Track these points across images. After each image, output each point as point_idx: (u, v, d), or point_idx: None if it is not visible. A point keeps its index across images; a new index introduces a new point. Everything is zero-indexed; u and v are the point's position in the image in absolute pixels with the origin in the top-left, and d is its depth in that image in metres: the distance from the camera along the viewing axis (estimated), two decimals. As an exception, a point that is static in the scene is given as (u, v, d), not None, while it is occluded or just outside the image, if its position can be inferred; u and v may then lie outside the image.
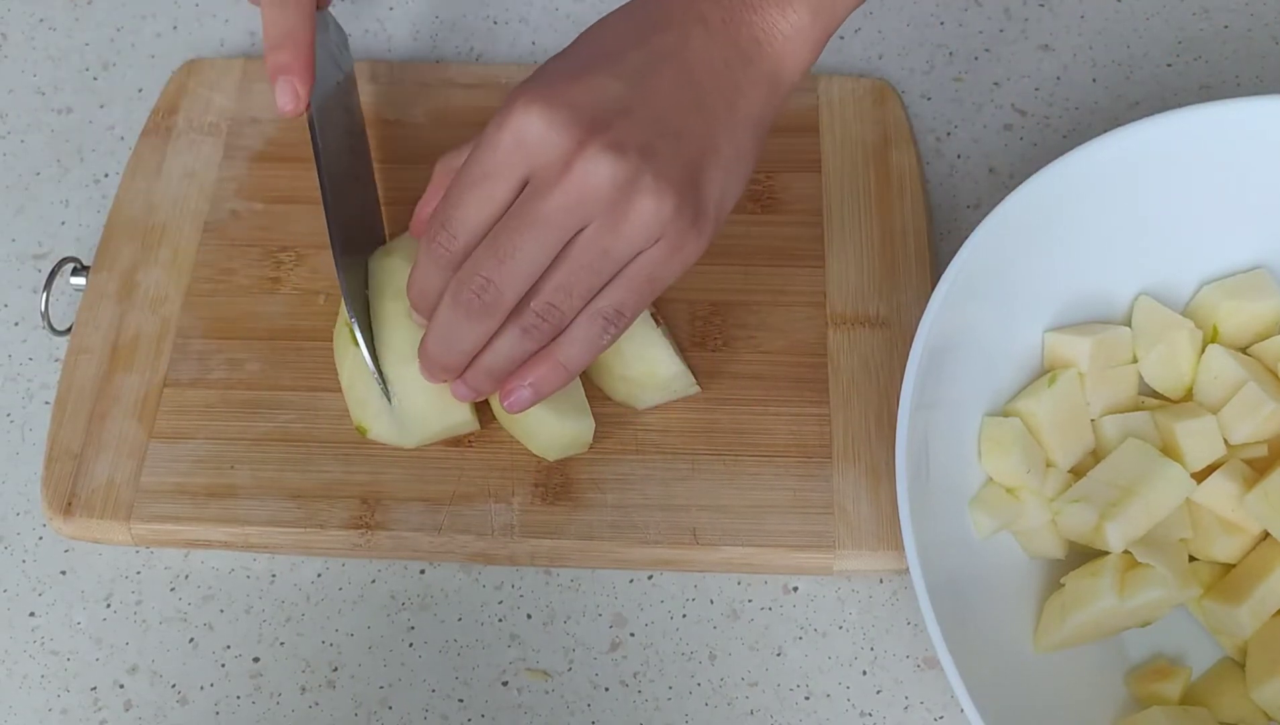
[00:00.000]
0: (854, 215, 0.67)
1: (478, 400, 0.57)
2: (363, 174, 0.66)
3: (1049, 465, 0.58)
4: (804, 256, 0.66)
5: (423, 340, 0.56)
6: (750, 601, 0.60)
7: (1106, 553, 0.56)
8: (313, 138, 0.60)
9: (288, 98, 0.60)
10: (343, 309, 0.60)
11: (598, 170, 0.50)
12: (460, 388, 0.57)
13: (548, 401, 0.57)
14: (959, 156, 0.71)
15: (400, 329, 0.59)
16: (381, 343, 0.59)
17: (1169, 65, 0.74)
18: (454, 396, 0.57)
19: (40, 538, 0.62)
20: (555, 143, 0.51)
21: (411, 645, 0.59)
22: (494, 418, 0.61)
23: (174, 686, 0.59)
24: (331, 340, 0.62)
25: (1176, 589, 0.55)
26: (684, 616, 0.60)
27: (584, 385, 0.61)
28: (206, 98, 0.72)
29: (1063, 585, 0.56)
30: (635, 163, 0.51)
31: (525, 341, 0.54)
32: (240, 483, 0.61)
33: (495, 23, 0.77)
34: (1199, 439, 0.57)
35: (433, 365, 0.56)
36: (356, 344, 0.59)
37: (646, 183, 0.51)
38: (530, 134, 0.51)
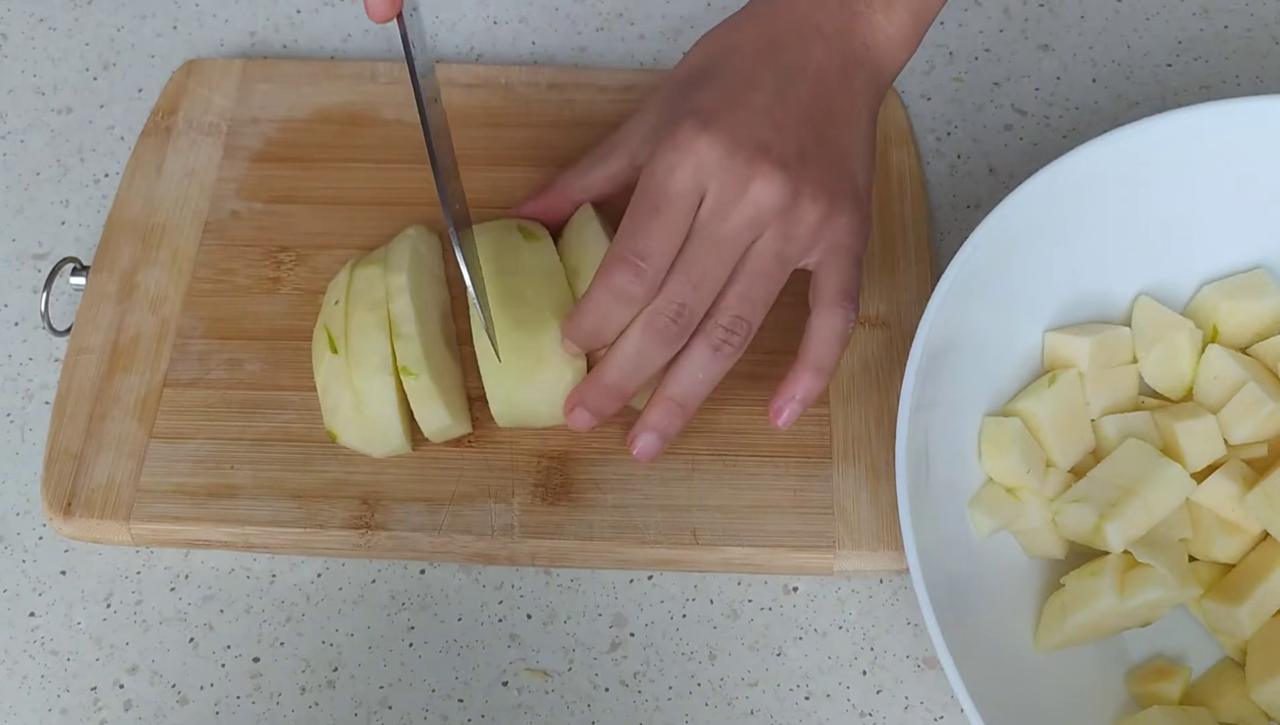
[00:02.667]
0: (854, 215, 0.67)
1: (662, 440, 0.59)
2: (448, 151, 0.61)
3: (1049, 465, 0.58)
4: (804, 256, 0.66)
5: (597, 372, 0.58)
6: (750, 601, 0.60)
7: (1106, 553, 0.56)
8: (406, 50, 0.57)
9: (377, 2, 0.56)
10: (323, 311, 0.61)
11: (771, 188, 0.55)
12: (646, 435, 0.59)
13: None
14: (959, 156, 0.71)
15: (372, 340, 0.59)
16: (352, 354, 0.59)
17: (1169, 65, 0.74)
18: (637, 450, 0.59)
19: (40, 538, 0.62)
20: (730, 168, 0.55)
21: (411, 645, 0.59)
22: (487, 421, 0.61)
23: (174, 686, 0.59)
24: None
25: (1176, 589, 0.55)
26: (684, 616, 0.60)
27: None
28: (206, 98, 0.72)
29: (1063, 585, 0.56)
30: (797, 173, 0.55)
31: (717, 359, 0.57)
32: (240, 483, 0.61)
33: (495, 23, 0.77)
34: (1199, 439, 0.57)
35: (605, 398, 0.58)
36: (335, 350, 0.60)
37: (809, 191, 0.56)
38: (709, 161, 0.55)
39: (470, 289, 0.57)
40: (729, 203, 0.55)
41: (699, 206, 0.56)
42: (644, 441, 0.59)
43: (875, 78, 0.59)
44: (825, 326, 0.58)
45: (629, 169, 0.62)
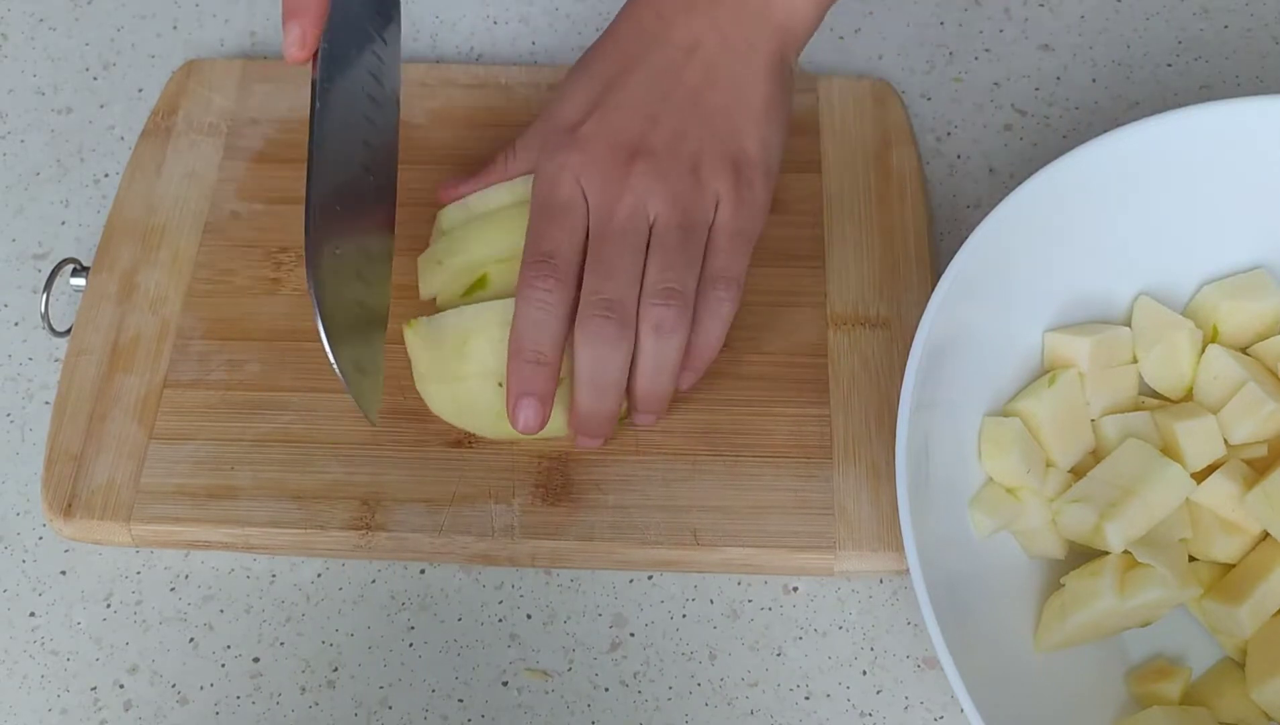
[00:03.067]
0: (854, 215, 0.67)
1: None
2: (377, 169, 0.59)
3: (1049, 465, 0.58)
4: (804, 256, 0.66)
5: (574, 404, 0.58)
6: (750, 602, 0.60)
7: (1106, 553, 0.56)
8: (312, 93, 0.56)
9: (293, 41, 0.56)
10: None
11: (647, 180, 0.57)
12: (646, 419, 0.61)
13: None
14: (959, 156, 0.71)
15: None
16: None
17: (1169, 65, 0.74)
18: (640, 423, 0.61)
19: (40, 538, 0.62)
20: (605, 171, 0.58)
21: (411, 645, 0.59)
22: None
23: (174, 686, 0.59)
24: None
25: (1176, 589, 0.55)
26: (684, 616, 0.60)
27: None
28: (206, 98, 0.72)
29: (1063, 585, 0.56)
30: (674, 154, 0.58)
31: (664, 337, 0.57)
32: (240, 484, 0.61)
33: (495, 23, 0.77)
34: (1199, 439, 0.57)
35: (592, 421, 0.59)
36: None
37: (683, 167, 0.58)
38: (584, 169, 0.58)
39: (322, 336, 0.53)
40: (612, 201, 0.57)
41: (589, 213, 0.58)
42: (642, 422, 0.61)
43: (779, 30, 0.59)
44: (702, 312, 0.58)
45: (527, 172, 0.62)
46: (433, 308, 0.62)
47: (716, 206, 0.58)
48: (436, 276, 0.62)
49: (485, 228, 0.61)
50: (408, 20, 0.76)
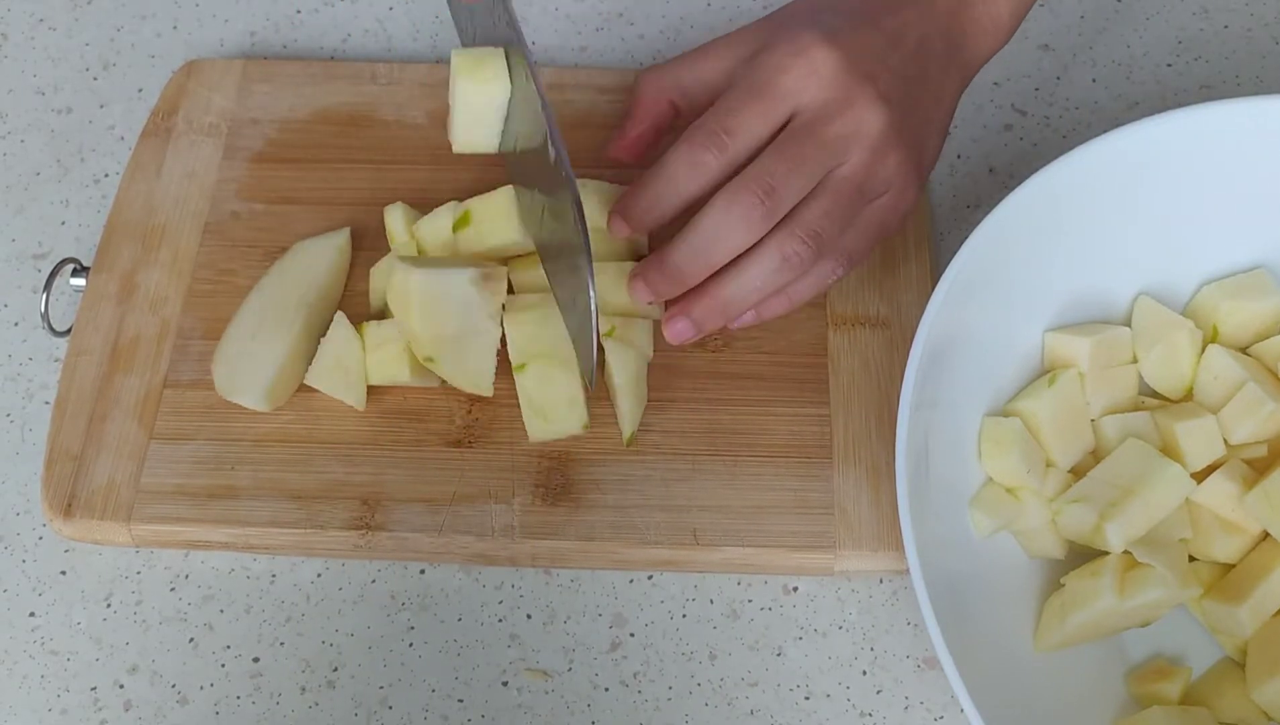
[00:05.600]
0: (854, 215, 0.67)
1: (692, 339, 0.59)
2: None
3: (1049, 465, 0.58)
4: (804, 256, 0.65)
5: (664, 249, 0.57)
6: (750, 601, 0.60)
7: (1106, 553, 0.56)
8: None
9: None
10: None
11: (875, 115, 0.56)
12: (683, 324, 0.58)
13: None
14: (959, 156, 0.71)
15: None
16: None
17: (1169, 65, 0.74)
18: (671, 336, 0.59)
19: (40, 538, 0.62)
20: (842, 81, 0.56)
21: (411, 645, 0.59)
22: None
23: (174, 686, 0.59)
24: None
25: (1176, 589, 0.55)
26: (684, 616, 0.60)
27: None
28: (206, 98, 0.72)
29: (1063, 585, 0.56)
30: (898, 116, 0.57)
31: (784, 270, 0.56)
32: (240, 484, 0.61)
33: (495, 23, 0.77)
34: (1199, 439, 0.57)
35: (668, 274, 0.57)
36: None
37: (899, 135, 0.57)
38: (823, 70, 0.56)
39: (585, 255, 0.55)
40: (834, 112, 0.56)
41: (793, 117, 0.56)
42: (678, 326, 0.59)
43: (963, 65, 0.60)
44: (812, 272, 0.58)
45: (724, 78, 0.60)
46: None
47: (889, 188, 0.58)
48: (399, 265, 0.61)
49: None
50: (408, 20, 0.76)
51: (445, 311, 0.59)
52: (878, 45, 0.57)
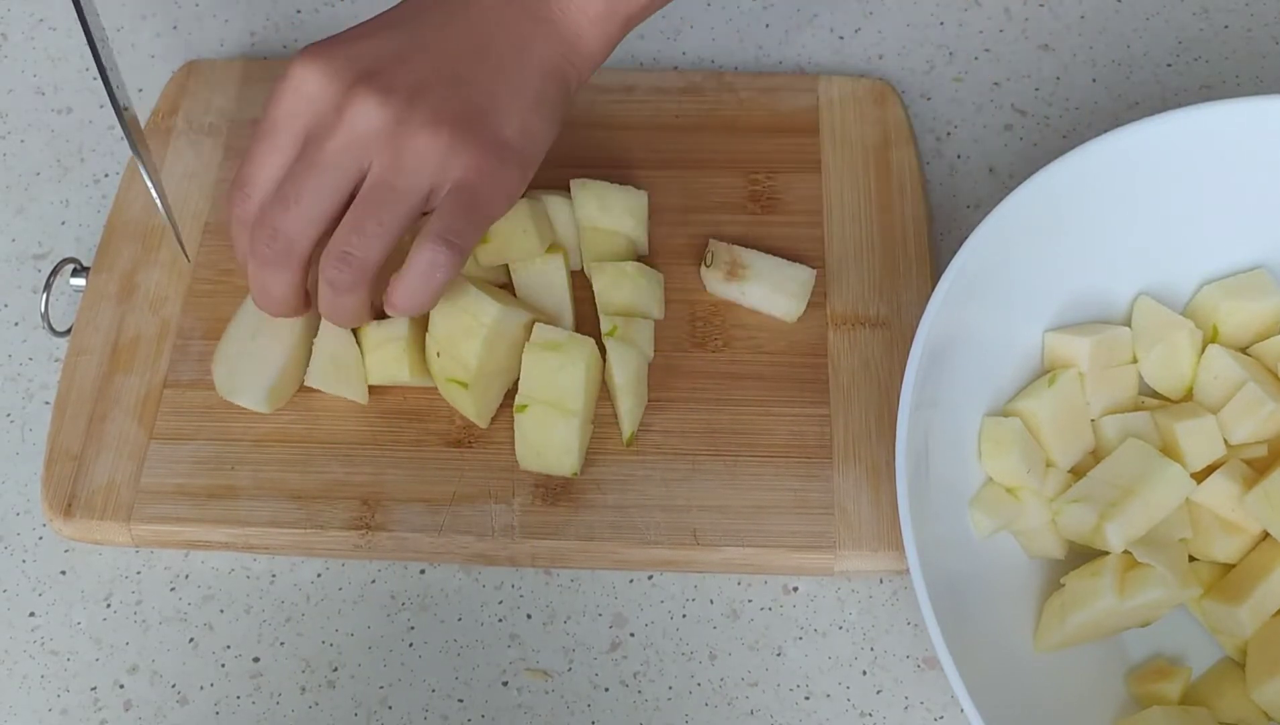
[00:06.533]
0: (854, 215, 0.67)
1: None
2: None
3: (1049, 465, 0.58)
4: (804, 256, 0.66)
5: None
6: (750, 601, 0.60)
7: (1106, 553, 0.56)
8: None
9: None
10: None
11: (367, 111, 0.54)
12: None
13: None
14: (959, 156, 0.71)
15: None
16: None
17: (1169, 65, 0.74)
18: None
19: (40, 538, 0.62)
20: (328, 91, 0.54)
21: (411, 645, 0.59)
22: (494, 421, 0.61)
23: (174, 686, 0.59)
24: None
25: (1176, 589, 0.55)
26: (684, 616, 0.60)
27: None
28: (206, 98, 0.72)
29: (1063, 585, 0.56)
30: (405, 101, 0.54)
31: (335, 294, 0.56)
32: (240, 484, 0.61)
33: (495, 23, 0.76)
34: (1199, 439, 0.57)
35: (264, 311, 0.59)
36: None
37: (419, 117, 0.54)
38: (307, 85, 0.55)
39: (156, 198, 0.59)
40: (326, 126, 0.54)
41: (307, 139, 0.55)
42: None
43: (560, 34, 0.57)
44: (411, 266, 0.55)
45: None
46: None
47: (439, 171, 0.55)
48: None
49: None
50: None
51: (501, 348, 0.60)
52: (388, 42, 0.56)
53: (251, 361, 0.61)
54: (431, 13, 0.57)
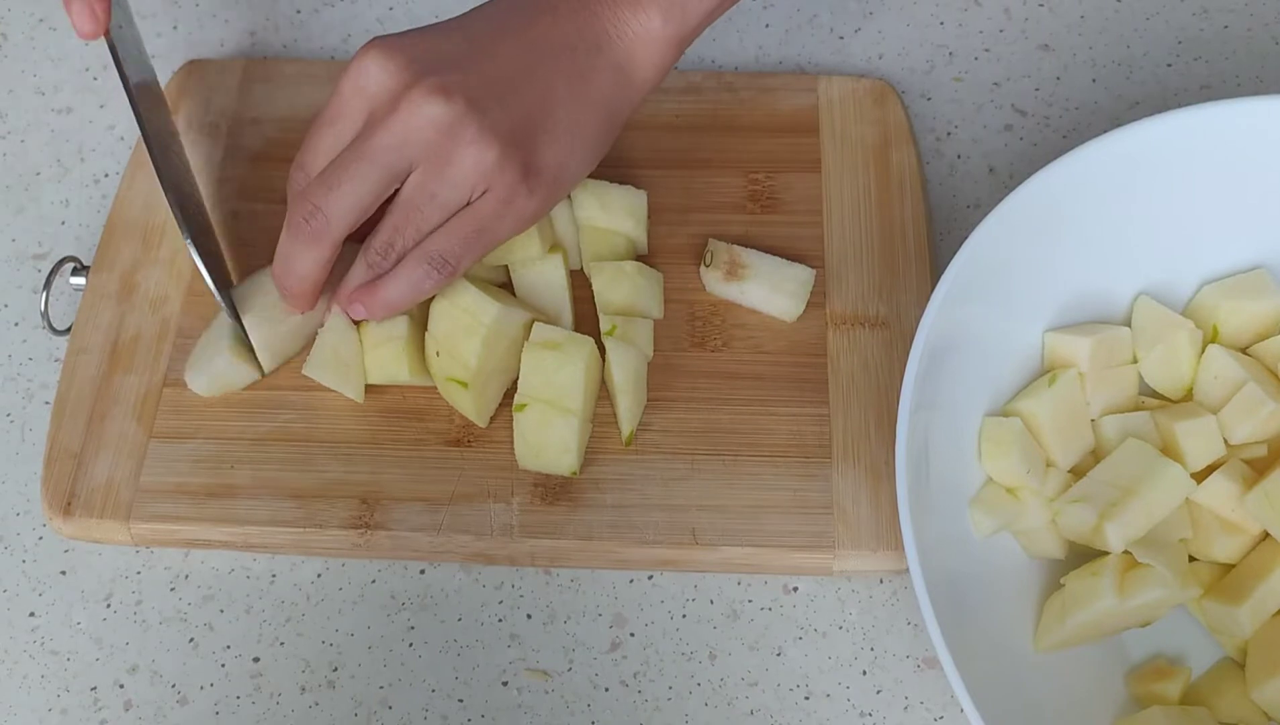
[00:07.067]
0: (854, 215, 0.67)
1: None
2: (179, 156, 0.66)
3: (1049, 465, 0.58)
4: (804, 256, 0.66)
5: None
6: (750, 601, 0.60)
7: (1106, 553, 0.56)
8: (115, 59, 0.61)
9: (85, 19, 0.59)
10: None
11: (421, 110, 0.55)
12: (351, 310, 0.60)
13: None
14: (959, 156, 0.71)
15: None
16: None
17: (1169, 65, 0.74)
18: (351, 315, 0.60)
19: (40, 538, 0.62)
20: (388, 84, 0.55)
21: (411, 645, 0.59)
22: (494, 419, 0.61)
23: (174, 686, 0.59)
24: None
25: (1176, 589, 0.55)
26: (684, 616, 0.60)
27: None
28: (206, 98, 0.72)
29: (1063, 585, 0.56)
30: (460, 110, 0.55)
31: (375, 285, 0.58)
32: (240, 483, 0.61)
33: (495, 23, 0.76)
34: (1199, 439, 0.57)
35: (279, 286, 0.60)
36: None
37: (470, 131, 0.55)
38: (368, 77, 0.56)
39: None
40: (382, 117, 0.55)
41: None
42: (351, 312, 0.60)
43: (615, 67, 0.58)
44: (399, 275, 0.58)
45: None
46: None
47: (483, 193, 0.56)
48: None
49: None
50: (408, 20, 0.76)
51: (500, 347, 0.60)
52: (451, 47, 0.56)
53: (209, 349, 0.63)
54: (501, 25, 0.57)
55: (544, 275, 0.63)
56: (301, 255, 0.58)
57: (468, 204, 0.57)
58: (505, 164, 0.56)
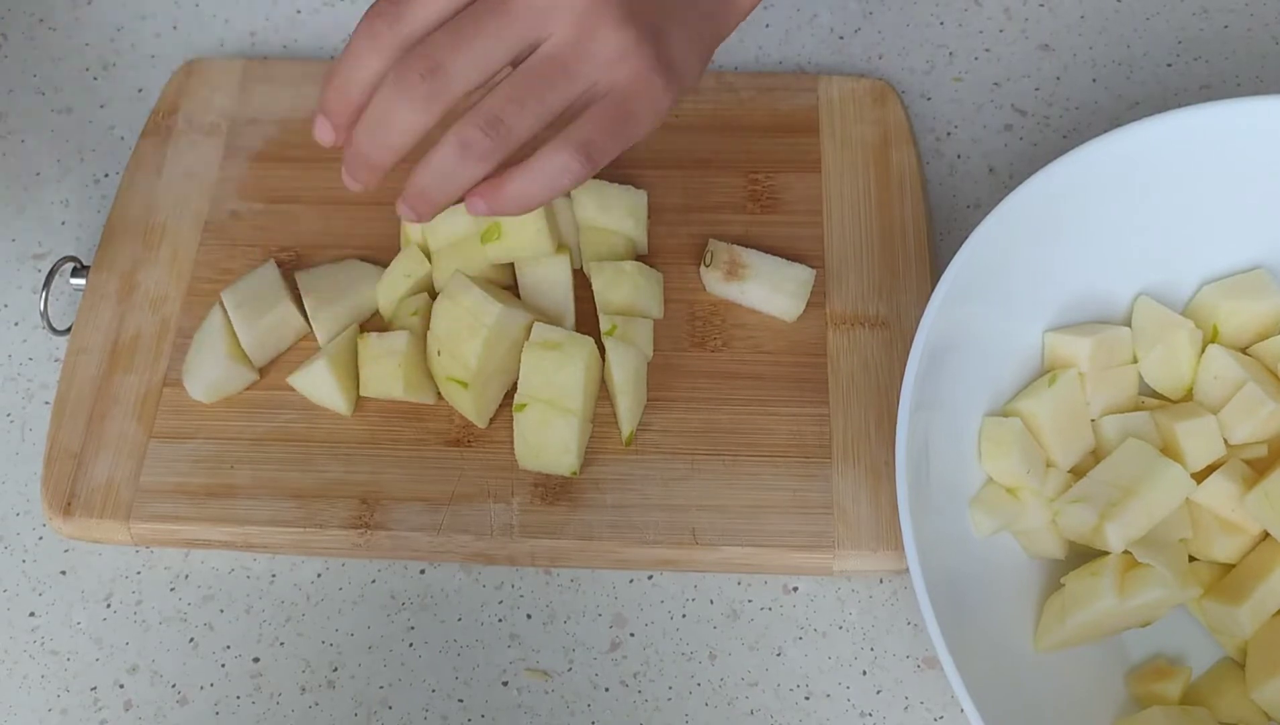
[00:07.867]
0: (854, 215, 0.67)
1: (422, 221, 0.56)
2: None
3: (1049, 465, 0.58)
4: (804, 256, 0.66)
5: (351, 133, 0.54)
6: (750, 601, 0.60)
7: (1106, 553, 0.56)
8: None
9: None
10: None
11: None
12: (403, 209, 0.55)
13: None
14: (959, 156, 0.71)
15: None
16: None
17: (1169, 65, 0.74)
18: (402, 216, 0.55)
19: (40, 538, 0.62)
20: None
21: (411, 645, 0.59)
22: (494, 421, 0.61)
23: (174, 686, 0.59)
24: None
25: (1176, 589, 0.55)
26: (684, 616, 0.60)
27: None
28: (206, 98, 0.72)
29: (1063, 585, 0.56)
30: None
31: (465, 160, 0.52)
32: (240, 482, 0.61)
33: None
34: (1199, 439, 0.57)
35: (356, 161, 0.54)
36: None
37: (614, 10, 0.51)
38: None
39: None
40: None
41: None
42: (400, 210, 0.55)
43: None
44: (538, 164, 0.52)
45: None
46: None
47: (613, 70, 0.52)
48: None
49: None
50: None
51: (501, 348, 0.60)
52: None
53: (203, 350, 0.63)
54: None
55: (550, 274, 0.63)
56: (404, 115, 0.51)
57: (587, 93, 0.52)
58: (642, 50, 0.52)
